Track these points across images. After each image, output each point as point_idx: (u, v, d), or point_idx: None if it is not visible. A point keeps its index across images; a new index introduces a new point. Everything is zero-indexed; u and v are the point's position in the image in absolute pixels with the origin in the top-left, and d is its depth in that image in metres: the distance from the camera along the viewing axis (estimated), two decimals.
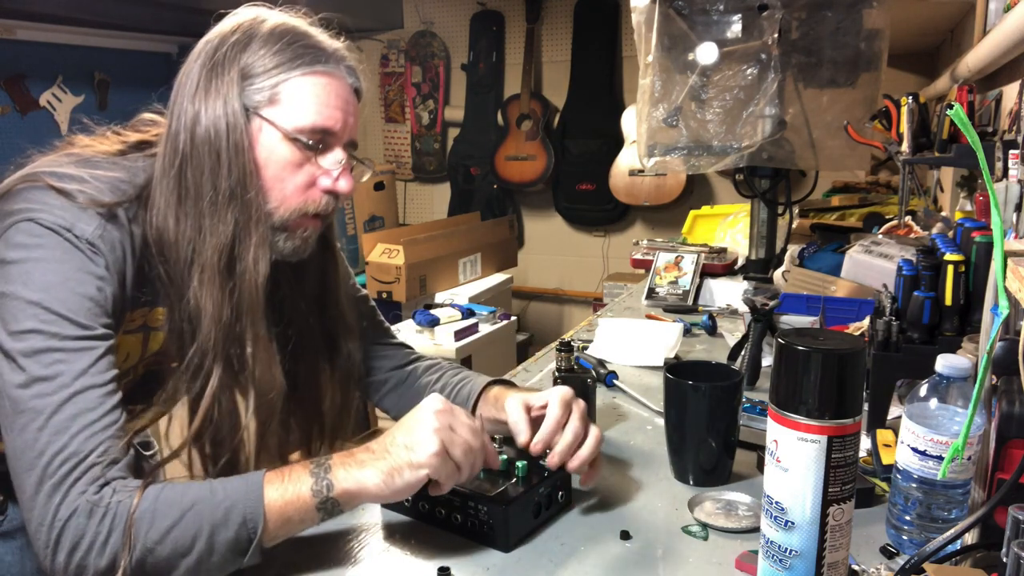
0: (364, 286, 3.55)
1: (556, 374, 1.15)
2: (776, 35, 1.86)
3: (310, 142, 0.89)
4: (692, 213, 2.69)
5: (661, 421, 1.14)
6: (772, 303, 1.37)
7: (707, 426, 0.99)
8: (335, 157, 0.92)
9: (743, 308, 1.51)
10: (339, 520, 0.90)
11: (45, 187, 0.82)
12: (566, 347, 1.15)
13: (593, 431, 0.93)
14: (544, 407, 0.94)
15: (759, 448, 1.03)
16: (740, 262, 2.22)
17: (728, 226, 2.53)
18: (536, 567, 0.82)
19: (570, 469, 0.92)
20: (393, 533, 0.90)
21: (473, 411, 1.06)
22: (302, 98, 0.89)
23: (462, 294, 3.47)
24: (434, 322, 2.95)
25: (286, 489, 0.78)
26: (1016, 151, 1.12)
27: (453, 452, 0.82)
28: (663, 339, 1.56)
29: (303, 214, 0.92)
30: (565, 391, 0.95)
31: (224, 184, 0.86)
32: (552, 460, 0.90)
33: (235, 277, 0.88)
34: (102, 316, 0.81)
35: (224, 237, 0.87)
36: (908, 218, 1.85)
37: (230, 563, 0.77)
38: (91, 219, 0.82)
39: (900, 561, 0.80)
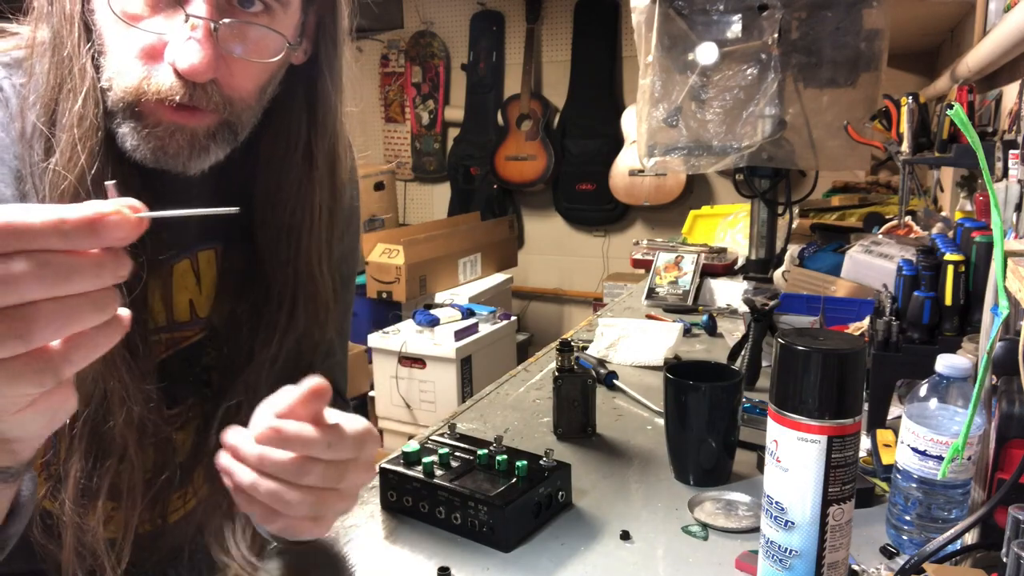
0: (364, 286, 3.56)
1: (556, 374, 1.14)
2: (776, 35, 1.86)
3: None
4: (692, 213, 2.69)
5: (661, 421, 1.14)
6: (772, 303, 1.37)
7: (707, 426, 0.99)
8: (192, 9, 0.61)
9: (743, 308, 1.51)
10: (338, 520, 0.90)
11: None
12: (566, 347, 1.15)
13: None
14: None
15: (759, 448, 1.03)
16: (740, 262, 2.22)
17: (728, 226, 2.53)
18: (536, 567, 0.82)
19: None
20: (393, 533, 0.90)
21: None
22: None
23: (462, 294, 3.48)
24: (434, 322, 2.96)
25: None
26: (1016, 151, 1.12)
27: None
28: (663, 339, 1.56)
29: (142, 97, 0.63)
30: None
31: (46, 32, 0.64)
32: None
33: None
34: None
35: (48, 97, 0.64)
36: (908, 218, 1.85)
37: None
38: None
39: (900, 561, 0.79)
